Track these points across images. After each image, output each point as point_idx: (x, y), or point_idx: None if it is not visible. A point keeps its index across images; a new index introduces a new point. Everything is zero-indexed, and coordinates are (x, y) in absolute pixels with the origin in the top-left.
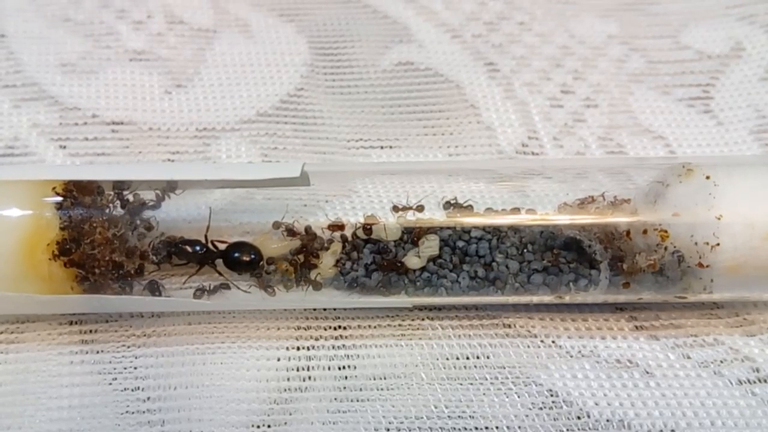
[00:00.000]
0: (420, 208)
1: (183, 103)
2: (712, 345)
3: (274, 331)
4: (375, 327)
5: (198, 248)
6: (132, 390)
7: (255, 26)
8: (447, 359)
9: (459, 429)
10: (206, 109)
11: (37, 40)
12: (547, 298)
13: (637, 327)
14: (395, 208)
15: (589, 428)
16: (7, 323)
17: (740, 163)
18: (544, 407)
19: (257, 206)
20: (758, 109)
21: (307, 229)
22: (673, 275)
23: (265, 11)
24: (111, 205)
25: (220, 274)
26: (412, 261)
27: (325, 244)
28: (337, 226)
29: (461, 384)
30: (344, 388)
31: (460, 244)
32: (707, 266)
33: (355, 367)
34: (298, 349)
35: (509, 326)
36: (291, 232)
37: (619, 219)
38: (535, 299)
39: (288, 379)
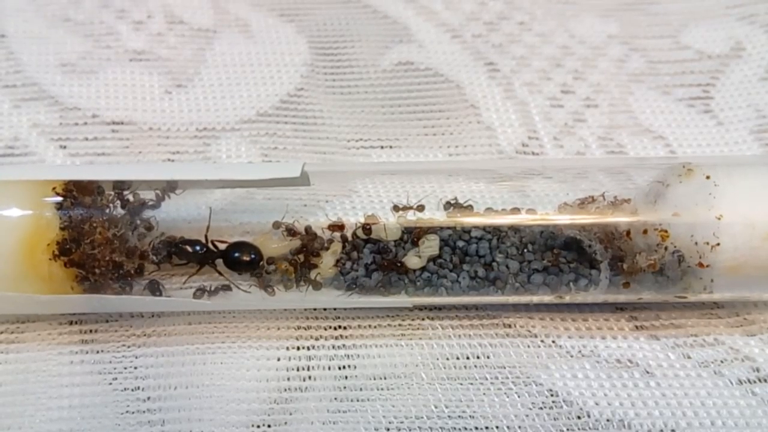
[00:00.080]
0: (420, 208)
1: (183, 103)
2: (713, 345)
3: (275, 331)
4: (375, 327)
5: (198, 248)
6: (132, 390)
7: (255, 26)
8: (447, 359)
9: (459, 429)
10: (206, 109)
11: (37, 40)
12: (548, 298)
13: (637, 327)
14: (396, 208)
15: (590, 428)
16: (7, 323)
17: (740, 163)
18: (545, 407)
19: (257, 206)
20: (758, 109)
21: (308, 229)
22: (673, 275)
23: (265, 11)
24: (111, 205)
25: (221, 274)
26: (412, 261)
27: (325, 244)
28: (337, 226)
29: (461, 384)
30: (344, 387)
31: (461, 244)
32: (707, 266)
33: (355, 367)
34: (299, 348)
35: (509, 326)
36: (291, 232)
37: (620, 219)
38: (535, 299)
39: (288, 379)
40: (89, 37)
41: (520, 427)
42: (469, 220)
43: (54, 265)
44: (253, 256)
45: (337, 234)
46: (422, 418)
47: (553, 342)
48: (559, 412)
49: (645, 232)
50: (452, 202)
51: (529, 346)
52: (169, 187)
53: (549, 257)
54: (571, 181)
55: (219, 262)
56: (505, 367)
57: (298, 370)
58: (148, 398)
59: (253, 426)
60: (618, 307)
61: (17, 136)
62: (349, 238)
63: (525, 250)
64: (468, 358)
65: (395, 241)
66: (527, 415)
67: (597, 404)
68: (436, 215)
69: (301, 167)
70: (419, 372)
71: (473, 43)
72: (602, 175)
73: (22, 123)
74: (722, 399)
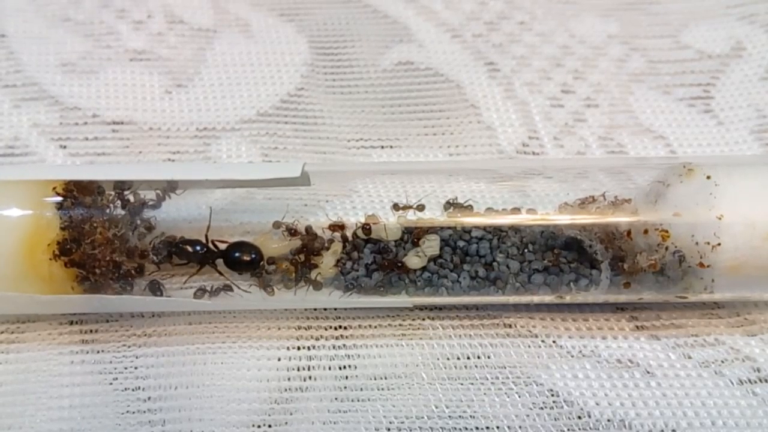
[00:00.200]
0: (420, 208)
1: (183, 103)
2: (713, 345)
3: (275, 331)
4: (375, 327)
5: (198, 248)
6: (132, 390)
7: (255, 26)
8: (448, 359)
9: (460, 429)
10: (206, 109)
11: (38, 40)
12: (548, 298)
13: (637, 327)
14: (396, 207)
15: (590, 428)
16: (7, 323)
17: (741, 163)
18: (545, 407)
19: (258, 206)
20: (759, 109)
21: (308, 229)
22: (673, 275)
23: (265, 11)
24: (111, 205)
25: (221, 273)
26: (413, 261)
27: (326, 244)
28: (337, 226)
29: (462, 384)
30: (345, 387)
31: (461, 243)
32: (708, 266)
33: (355, 367)
34: (299, 348)
35: (510, 326)
36: (291, 231)
37: (620, 219)
38: (535, 299)
39: (288, 379)
40: (89, 37)
41: (520, 427)
42: (469, 220)
43: (54, 265)
44: (253, 255)
45: (338, 234)
46: (423, 418)
47: (554, 342)
48: (559, 412)
49: (646, 232)
50: (453, 202)
51: (529, 346)
52: (170, 187)
53: (549, 257)
54: (572, 181)
55: (219, 262)
56: (505, 367)
57: (298, 370)
58: (149, 398)
59: (253, 426)
60: (618, 307)
61: (17, 135)
62: (350, 238)
63: (525, 250)
64: (468, 358)
65: (396, 241)
66: (528, 415)
67: (597, 404)
68: (436, 215)
69: (302, 167)
70: (420, 372)
71: (473, 43)
72: (603, 175)
73: (23, 123)
74: (723, 399)
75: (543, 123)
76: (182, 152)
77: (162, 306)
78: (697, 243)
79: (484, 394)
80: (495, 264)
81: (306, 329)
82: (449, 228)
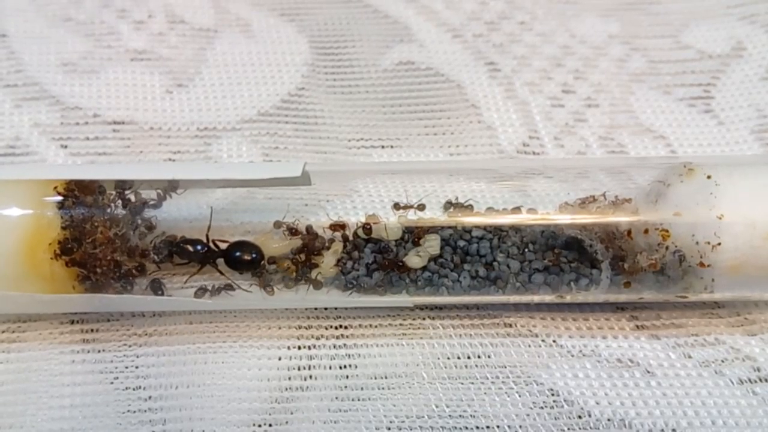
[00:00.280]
0: (421, 207)
1: (184, 103)
2: (713, 344)
3: (276, 331)
4: (376, 326)
5: (199, 247)
6: (133, 389)
7: (256, 26)
8: (448, 358)
9: (460, 428)
10: (207, 109)
11: (38, 40)
12: (548, 298)
13: (638, 326)
14: (396, 206)
15: (590, 427)
16: (8, 322)
17: (741, 163)
18: (545, 406)
19: (258, 206)
20: (759, 109)
21: (309, 229)
22: (674, 275)
23: (266, 11)
24: (112, 204)
25: (222, 273)
26: (413, 260)
27: (326, 244)
28: (338, 226)
29: (462, 383)
30: (345, 387)
31: (461, 243)
32: (708, 266)
33: (356, 367)
34: (300, 348)
35: (510, 326)
36: (292, 231)
37: (621, 218)
38: (536, 299)
39: (289, 378)
40: (90, 37)
41: (521, 427)
42: (470, 219)
43: (55, 264)
44: (254, 255)
45: (338, 233)
46: (423, 417)
47: (554, 341)
48: (559, 411)
49: (646, 231)
50: (453, 201)
51: (530, 346)
52: (171, 186)
53: (550, 257)
54: (572, 180)
55: (220, 261)
56: (505, 367)
57: (299, 369)
58: (150, 397)
59: (254, 425)
60: (619, 307)
61: (18, 135)
62: (350, 238)
63: (526, 250)
64: (469, 357)
65: (396, 240)
66: (528, 415)
67: (598, 404)
68: (437, 215)
69: (302, 167)
70: (420, 371)
71: (474, 43)
72: (603, 174)
73: (24, 123)
74: (723, 398)
75: (543, 123)
76: (183, 152)
77: (163, 305)
78: (697, 243)
79: (485, 393)
80: (495, 263)
81: (307, 329)
82: (450, 228)
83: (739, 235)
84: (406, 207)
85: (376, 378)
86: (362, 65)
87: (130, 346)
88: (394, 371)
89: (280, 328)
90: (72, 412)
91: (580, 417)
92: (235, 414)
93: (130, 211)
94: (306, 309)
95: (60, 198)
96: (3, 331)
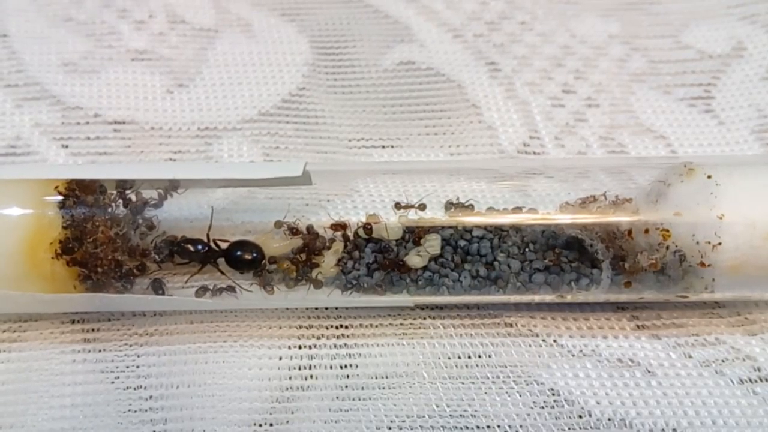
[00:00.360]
0: (422, 207)
1: (185, 103)
2: (714, 344)
3: (276, 330)
4: (377, 326)
5: (200, 247)
6: (134, 389)
7: (256, 26)
8: (449, 358)
9: (461, 428)
10: (208, 109)
11: (39, 40)
12: (549, 298)
13: (638, 326)
14: (397, 206)
15: (591, 427)
16: (9, 322)
17: (741, 163)
18: (546, 406)
19: (259, 205)
20: (759, 109)
21: (309, 228)
22: (674, 274)
23: (266, 11)
24: (113, 204)
25: (222, 273)
26: (414, 260)
27: (327, 243)
28: (339, 226)
29: (463, 383)
30: (346, 386)
31: (462, 243)
32: (709, 265)
33: (357, 366)
34: (300, 348)
35: (511, 325)
36: (293, 231)
37: (621, 218)
38: (536, 298)
39: (290, 378)
40: (91, 37)
41: (521, 426)
42: (470, 219)
43: (56, 264)
44: (255, 254)
45: (339, 233)
46: (424, 417)
47: (555, 341)
48: (560, 411)
49: (646, 231)
50: (454, 201)
51: (530, 346)
52: (171, 186)
53: (550, 256)
54: (573, 180)
55: (221, 261)
56: (506, 367)
57: (299, 369)
58: (150, 397)
59: (255, 425)
60: (619, 307)
61: (19, 135)
62: (351, 238)
63: (526, 250)
64: (469, 357)
65: (397, 240)
66: (528, 414)
67: (598, 403)
68: (437, 215)
69: (303, 167)
70: (421, 371)
71: (474, 43)
72: (603, 174)
73: (24, 122)
74: (723, 398)
75: (544, 123)
76: (184, 152)
77: (163, 305)
78: (697, 242)
79: (485, 393)
80: (496, 263)
81: (307, 328)
82: (450, 227)
83: (740, 234)
84: (407, 207)
85: (376, 378)
86: (363, 65)
87: (130, 346)
88: (394, 371)
89: (280, 327)
90: (73, 412)
91: (580, 417)
92: (235, 413)
93: (131, 210)
94: (307, 309)
95: (61, 197)
96: (4, 331)
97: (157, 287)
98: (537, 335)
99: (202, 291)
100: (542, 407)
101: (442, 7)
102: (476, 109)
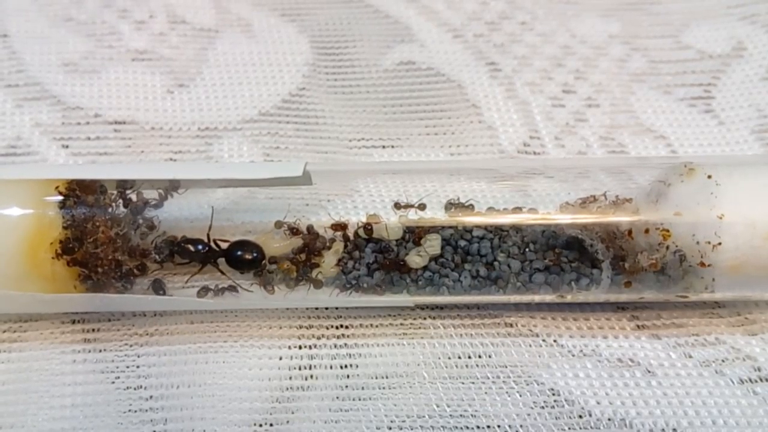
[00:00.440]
0: (422, 207)
1: (185, 103)
2: (714, 344)
3: (277, 330)
4: (377, 326)
5: (200, 247)
6: (134, 389)
7: (257, 26)
8: (449, 358)
9: (461, 428)
10: (208, 109)
11: (40, 40)
12: (549, 298)
13: (638, 326)
14: (397, 206)
15: (591, 427)
16: (9, 322)
17: (742, 163)
18: (546, 406)
19: (259, 205)
20: (760, 109)
21: (309, 229)
22: (674, 274)
23: (266, 11)
24: (114, 204)
25: (223, 273)
26: (414, 260)
27: (327, 243)
28: (339, 226)
29: (463, 383)
30: (346, 386)
31: (462, 243)
32: (709, 265)
33: (357, 366)
34: (301, 348)
35: (511, 325)
36: (293, 231)
37: (621, 218)
38: (536, 298)
39: (290, 378)
40: (91, 37)
41: (521, 426)
42: (470, 219)
43: (57, 264)
44: (255, 254)
45: (339, 233)
46: (424, 417)
47: (555, 341)
48: (560, 411)
49: (646, 231)
50: (454, 201)
51: (530, 346)
52: (172, 186)
53: (550, 256)
54: (573, 180)
55: (221, 261)
56: (506, 367)
57: (300, 369)
58: (151, 397)
59: (255, 425)
60: (619, 307)
61: (20, 135)
62: (351, 238)
63: (527, 250)
64: (470, 357)
65: (397, 240)
66: (529, 414)
67: (598, 403)
68: (437, 215)
69: (303, 167)
70: (421, 371)
71: (475, 43)
72: (604, 174)
73: (25, 122)
74: (723, 398)
75: (544, 123)
76: (184, 152)
77: (164, 305)
78: (697, 242)
79: (485, 393)
80: (496, 263)
81: (307, 328)
82: (450, 227)
83: (740, 234)
84: (407, 206)
85: (377, 378)
86: (363, 65)
87: (131, 346)
88: (394, 371)
89: (281, 327)
90: (73, 412)
91: (580, 417)
92: (236, 413)
93: (131, 210)
94: (307, 309)
95: (61, 198)
96: (4, 331)
97: (158, 287)
98: (537, 335)
99: (204, 291)
100: (542, 407)
101: (443, 7)
102: (476, 109)
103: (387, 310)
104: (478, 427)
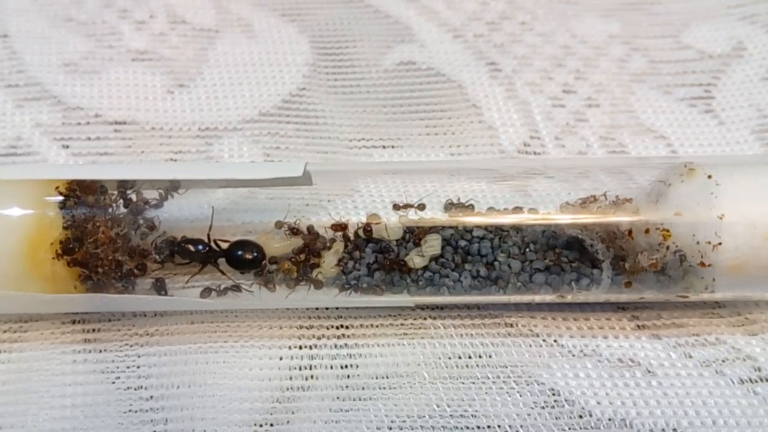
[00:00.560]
0: (421, 207)
1: (185, 103)
2: (714, 344)
3: (277, 330)
4: (377, 326)
5: (201, 247)
6: (135, 389)
7: (257, 26)
8: (449, 358)
9: (461, 428)
10: (209, 109)
11: (40, 40)
12: (549, 298)
13: (639, 326)
14: (396, 207)
15: (591, 427)
16: (10, 322)
17: (742, 163)
18: (546, 406)
19: (260, 206)
20: (760, 109)
21: (310, 229)
22: (674, 274)
23: (267, 11)
24: (114, 204)
25: (223, 273)
26: (415, 260)
27: (328, 244)
28: (339, 226)
29: (463, 383)
30: (347, 387)
31: (462, 243)
32: (709, 265)
33: (357, 366)
34: (301, 348)
35: (511, 325)
36: (293, 231)
37: (621, 218)
38: (537, 298)
39: (290, 378)
40: (92, 37)
41: (522, 426)
42: (470, 219)
43: (57, 264)
44: (255, 254)
45: (339, 233)
46: (424, 417)
47: (555, 341)
48: (560, 411)
49: (647, 231)
50: (454, 201)
51: (530, 346)
52: (172, 186)
53: (551, 257)
54: (573, 180)
55: (221, 261)
56: (506, 367)
57: (300, 369)
58: (151, 397)
59: (255, 425)
60: (620, 307)
61: (20, 135)
62: (352, 238)
63: (527, 250)
64: (470, 357)
65: (397, 240)
66: (529, 414)
67: (599, 403)
68: (438, 215)
69: (304, 167)
70: (421, 371)
71: (475, 43)
72: (604, 174)
73: (25, 123)
74: (724, 398)
75: (544, 123)
76: (184, 152)
77: (164, 305)
78: (698, 242)
79: (486, 393)
80: (496, 263)
81: (308, 329)
82: (451, 227)
83: (740, 234)
84: (406, 206)
85: (377, 378)
86: (363, 65)
87: (131, 346)
88: (395, 371)
89: (281, 327)
90: (73, 412)
91: (581, 417)
92: (236, 414)
93: (131, 211)
94: (307, 309)
95: (61, 198)
96: (4, 331)
97: (160, 287)
98: (537, 335)
99: (207, 292)
100: (542, 407)
101: (443, 7)
102: (476, 109)
103: (387, 310)
104: (478, 427)
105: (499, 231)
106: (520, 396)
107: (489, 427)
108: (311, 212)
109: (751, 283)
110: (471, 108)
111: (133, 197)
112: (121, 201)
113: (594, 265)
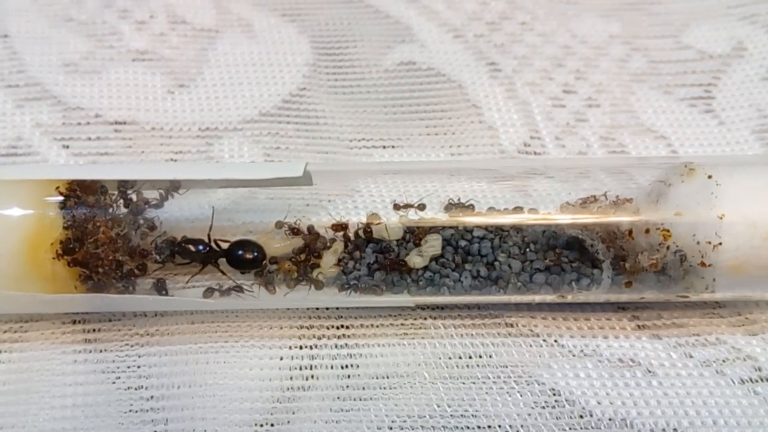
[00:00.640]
0: (421, 207)
1: (186, 103)
2: (714, 344)
3: (277, 330)
4: (378, 326)
5: (201, 247)
6: (135, 389)
7: (257, 26)
8: (449, 358)
9: (461, 428)
10: (209, 109)
11: (40, 40)
12: (550, 298)
13: (639, 326)
14: (396, 206)
15: (592, 427)
16: (10, 322)
17: (742, 163)
18: (547, 406)
19: (260, 206)
20: (760, 109)
21: (310, 229)
22: (675, 274)
23: (267, 11)
24: (114, 204)
25: (223, 273)
26: (415, 260)
27: (328, 244)
28: (339, 226)
29: (464, 383)
30: (347, 387)
31: (463, 243)
32: (709, 265)
33: (357, 366)
34: (301, 348)
35: (511, 325)
36: (294, 231)
37: (622, 218)
38: (537, 298)
39: (291, 378)
40: (92, 37)
41: (522, 426)
42: (471, 219)
43: (57, 264)
44: (256, 254)
45: (340, 233)
46: (425, 417)
47: (555, 341)
48: (561, 411)
49: (647, 231)
50: (454, 201)
51: (531, 346)
52: (172, 186)
53: (551, 257)
54: (573, 180)
55: (222, 261)
56: (507, 367)
57: (300, 369)
58: (152, 397)
59: (256, 425)
60: (620, 307)
61: (20, 135)
62: (352, 238)
63: (527, 250)
64: (470, 357)
65: (397, 240)
66: (529, 414)
67: (599, 403)
68: (438, 215)
69: (304, 167)
70: (422, 371)
71: (475, 43)
72: (604, 174)
73: (25, 123)
74: (724, 398)
75: (544, 123)
76: (185, 152)
77: (164, 305)
78: (698, 242)
79: (486, 393)
80: (497, 263)
81: (308, 329)
82: (451, 227)
83: (740, 234)
84: (406, 206)
85: (377, 378)
86: (363, 65)
87: (131, 346)
88: (395, 371)
89: (281, 328)
90: (74, 412)
91: (581, 417)
92: (236, 414)
93: (131, 211)
94: (307, 309)
95: (62, 198)
96: (5, 331)
97: (161, 287)
98: (538, 335)
99: (209, 292)
100: (543, 407)
101: (443, 7)
102: (477, 110)
103: (387, 310)
104: (478, 427)
105: (499, 231)
106: (521, 396)
107: (489, 427)
108: (311, 212)
109: (751, 283)
110: (471, 108)
111: (134, 197)
112: (122, 201)
113: (594, 265)
